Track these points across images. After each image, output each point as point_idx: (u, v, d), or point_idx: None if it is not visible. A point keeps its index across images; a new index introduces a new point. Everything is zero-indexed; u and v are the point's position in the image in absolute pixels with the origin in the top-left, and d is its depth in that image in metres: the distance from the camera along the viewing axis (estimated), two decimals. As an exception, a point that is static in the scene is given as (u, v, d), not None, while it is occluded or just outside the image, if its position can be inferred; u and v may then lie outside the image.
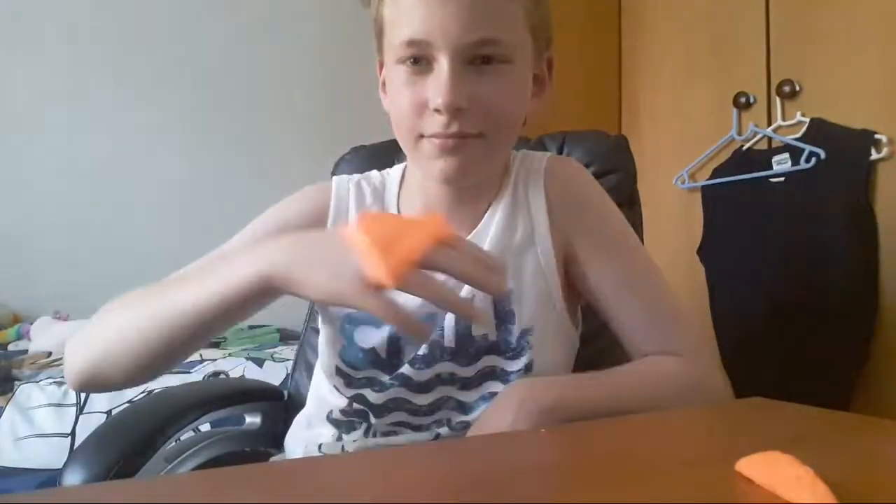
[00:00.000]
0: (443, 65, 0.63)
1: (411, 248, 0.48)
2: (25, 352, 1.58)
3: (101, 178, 2.09)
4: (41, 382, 1.29)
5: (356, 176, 0.81)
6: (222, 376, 1.39)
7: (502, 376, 0.70)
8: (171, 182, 2.16)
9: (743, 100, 1.92)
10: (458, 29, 0.62)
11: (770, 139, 1.87)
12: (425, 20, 0.63)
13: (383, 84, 0.73)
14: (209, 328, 0.60)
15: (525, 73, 0.69)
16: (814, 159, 1.70)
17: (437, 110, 0.64)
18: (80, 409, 1.25)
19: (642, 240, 1.05)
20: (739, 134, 1.94)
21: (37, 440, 1.21)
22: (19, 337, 1.76)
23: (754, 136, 1.89)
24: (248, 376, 1.40)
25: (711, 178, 1.97)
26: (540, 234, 0.73)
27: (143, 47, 2.15)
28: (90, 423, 1.22)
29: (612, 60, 2.36)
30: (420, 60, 0.65)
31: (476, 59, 0.64)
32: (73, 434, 1.22)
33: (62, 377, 1.30)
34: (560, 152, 1.06)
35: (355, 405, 0.73)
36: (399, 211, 0.78)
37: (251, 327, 1.84)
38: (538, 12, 0.69)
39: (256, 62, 2.28)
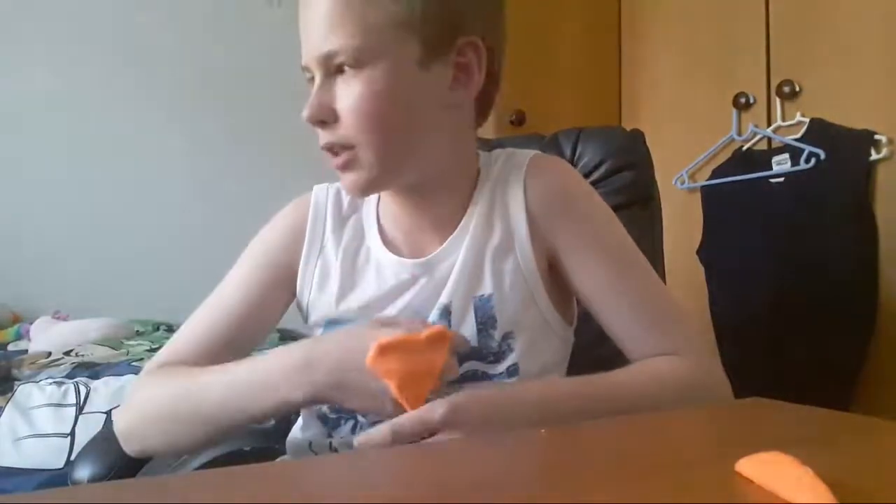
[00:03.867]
0: (316, 81, 0.69)
1: (429, 382, 0.62)
2: (25, 352, 1.58)
3: (102, 178, 2.08)
4: (41, 382, 1.28)
5: (338, 184, 0.82)
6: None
7: (484, 379, 0.70)
8: (173, 183, 2.15)
9: (743, 100, 1.92)
10: (311, 46, 0.69)
11: (770, 139, 1.86)
12: (303, 43, 0.71)
13: None
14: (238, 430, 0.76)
15: (395, 72, 0.67)
16: (814, 159, 1.70)
17: None
18: (80, 409, 1.24)
19: (660, 238, 1.03)
20: (739, 134, 1.94)
21: (36, 440, 1.20)
22: (19, 337, 1.75)
23: (754, 136, 1.89)
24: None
25: (711, 178, 1.96)
26: (519, 235, 0.72)
27: (145, 49, 2.15)
28: (90, 424, 1.21)
29: (611, 61, 2.35)
30: (312, 79, 0.71)
31: (336, 70, 0.68)
32: (72, 434, 1.21)
33: (62, 377, 1.30)
34: (574, 149, 1.03)
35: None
36: (378, 219, 0.79)
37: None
38: (408, 6, 0.66)
39: (258, 62, 2.27)
